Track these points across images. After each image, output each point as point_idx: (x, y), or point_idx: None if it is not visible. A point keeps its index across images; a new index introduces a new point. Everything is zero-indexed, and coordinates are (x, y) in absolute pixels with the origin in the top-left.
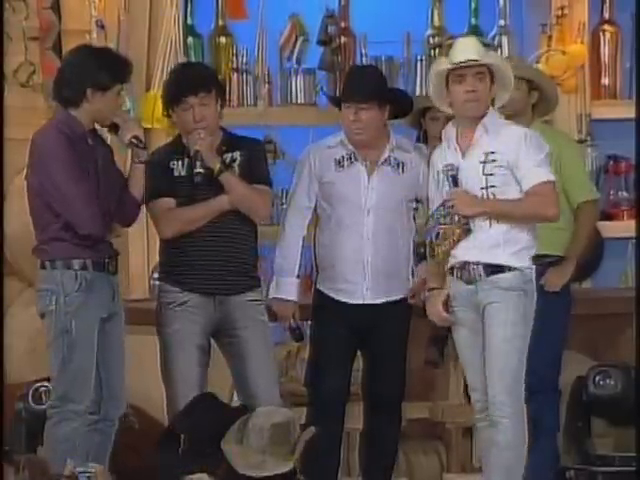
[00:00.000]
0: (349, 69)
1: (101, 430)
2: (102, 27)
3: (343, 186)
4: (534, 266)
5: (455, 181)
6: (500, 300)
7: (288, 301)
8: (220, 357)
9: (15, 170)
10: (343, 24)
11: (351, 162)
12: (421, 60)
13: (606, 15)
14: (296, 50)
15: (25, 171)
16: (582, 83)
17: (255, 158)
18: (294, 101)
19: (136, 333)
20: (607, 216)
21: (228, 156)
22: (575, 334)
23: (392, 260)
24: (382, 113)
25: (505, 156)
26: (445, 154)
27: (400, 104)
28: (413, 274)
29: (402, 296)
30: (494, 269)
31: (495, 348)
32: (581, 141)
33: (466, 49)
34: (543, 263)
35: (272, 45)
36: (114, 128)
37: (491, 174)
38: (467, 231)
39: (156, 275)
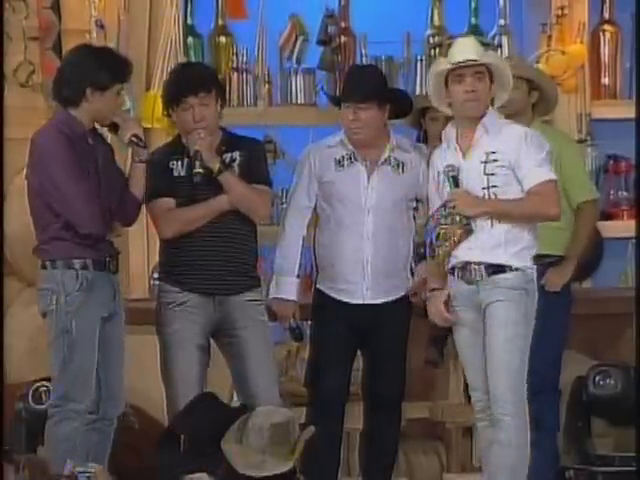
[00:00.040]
0: (349, 69)
1: (100, 429)
2: (102, 27)
3: (343, 186)
4: (535, 266)
5: (456, 182)
6: (502, 299)
7: (288, 301)
8: (220, 357)
9: (15, 170)
10: (343, 24)
11: (351, 162)
12: (421, 60)
13: (606, 15)
14: (296, 50)
15: (25, 171)
16: (582, 83)
17: (255, 158)
18: (294, 101)
19: (136, 333)
20: (607, 216)
21: (228, 156)
22: (575, 334)
23: (392, 260)
24: (382, 113)
25: (506, 156)
26: (445, 154)
27: (400, 104)
28: (413, 274)
29: (402, 295)
30: (495, 269)
31: (497, 347)
32: (581, 141)
33: (465, 49)
34: (543, 263)
35: (272, 45)
36: (114, 127)
37: (492, 174)
38: (468, 232)
39: (156, 275)
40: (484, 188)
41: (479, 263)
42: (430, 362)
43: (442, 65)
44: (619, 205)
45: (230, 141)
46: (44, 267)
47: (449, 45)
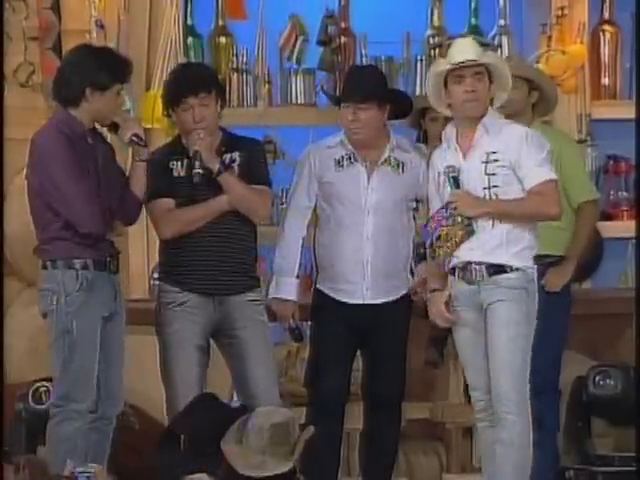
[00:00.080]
0: (349, 69)
1: (98, 429)
2: (102, 27)
3: (343, 186)
4: (536, 266)
5: (457, 182)
6: (503, 299)
7: (287, 301)
8: (220, 357)
9: (15, 170)
10: (343, 24)
11: (351, 162)
12: (421, 60)
13: (606, 15)
14: (296, 50)
15: (25, 171)
16: (582, 83)
17: (254, 158)
18: (294, 101)
19: (136, 333)
20: (607, 216)
21: (227, 156)
22: (575, 334)
23: (392, 260)
24: (381, 113)
25: (507, 156)
26: (445, 155)
27: (400, 105)
28: (413, 274)
29: (402, 295)
30: (496, 269)
31: (499, 347)
32: (581, 141)
33: (464, 49)
34: (544, 263)
35: (272, 45)
36: (114, 127)
37: (493, 174)
38: (470, 233)
39: (156, 275)
40: (485, 188)
41: (480, 263)
42: (430, 363)
43: (441, 66)
44: (619, 205)
45: (230, 141)
46: (44, 267)
47: (449, 45)
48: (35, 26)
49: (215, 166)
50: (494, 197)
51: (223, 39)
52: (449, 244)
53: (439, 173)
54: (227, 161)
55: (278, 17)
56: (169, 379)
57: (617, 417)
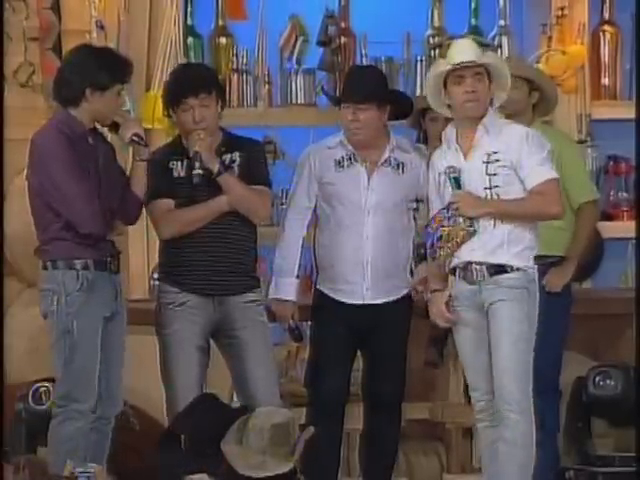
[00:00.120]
0: (349, 69)
1: (98, 429)
2: (102, 27)
3: (343, 186)
4: (536, 266)
5: (458, 183)
6: (504, 299)
7: (287, 301)
8: (220, 357)
9: (15, 170)
10: (343, 24)
11: (351, 163)
12: (421, 60)
13: (606, 15)
14: (296, 50)
15: (25, 171)
16: (582, 83)
17: (254, 159)
18: (294, 101)
19: (136, 333)
20: (607, 216)
21: (227, 157)
22: (575, 334)
23: (392, 260)
24: (381, 114)
25: (508, 156)
26: (446, 156)
27: (400, 105)
28: (413, 274)
29: (402, 295)
30: (497, 269)
31: (503, 346)
32: (581, 141)
33: (464, 50)
34: (544, 263)
35: (272, 45)
36: (115, 127)
37: (494, 174)
38: (471, 233)
39: (156, 275)
40: (486, 188)
41: (481, 263)
42: (430, 363)
43: (441, 66)
44: (619, 206)
45: (230, 142)
46: (45, 268)
47: (448, 46)
48: (35, 26)
49: (215, 167)
50: (495, 197)
51: (223, 39)
52: (450, 244)
53: (439, 174)
54: (227, 161)
55: (278, 17)
56: (169, 379)
57: (617, 417)
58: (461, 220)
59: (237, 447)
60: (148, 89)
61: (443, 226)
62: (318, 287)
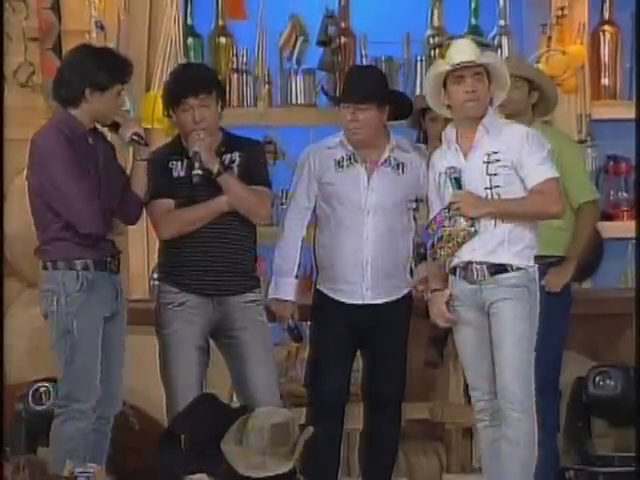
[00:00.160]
0: (349, 69)
1: (97, 429)
2: (102, 27)
3: (343, 187)
4: (536, 265)
5: (459, 183)
6: (505, 298)
7: (286, 301)
8: (220, 357)
9: (15, 170)
10: (343, 24)
11: (351, 163)
12: (421, 60)
13: (606, 15)
14: (296, 50)
15: (25, 171)
16: (582, 83)
17: (254, 159)
18: (294, 101)
19: (136, 333)
20: (607, 216)
21: (227, 157)
22: (575, 334)
23: (392, 260)
24: (381, 114)
25: (508, 155)
26: (446, 156)
27: (400, 106)
28: (413, 274)
29: (402, 295)
30: (498, 268)
31: (504, 343)
32: (581, 141)
33: (463, 50)
34: (544, 263)
35: (272, 45)
36: (115, 127)
37: (495, 174)
38: (472, 233)
39: (156, 275)
40: (487, 188)
41: (481, 263)
42: (430, 363)
43: (441, 67)
44: (619, 206)
45: (230, 142)
46: (45, 268)
47: (448, 46)
48: (35, 26)
49: (215, 167)
50: (496, 197)
51: (223, 39)
52: (450, 245)
53: (440, 174)
54: (227, 162)
55: (278, 17)
56: (169, 379)
57: (617, 417)
58: (462, 220)
59: (237, 447)
60: (148, 89)
61: (444, 226)
62: (318, 287)
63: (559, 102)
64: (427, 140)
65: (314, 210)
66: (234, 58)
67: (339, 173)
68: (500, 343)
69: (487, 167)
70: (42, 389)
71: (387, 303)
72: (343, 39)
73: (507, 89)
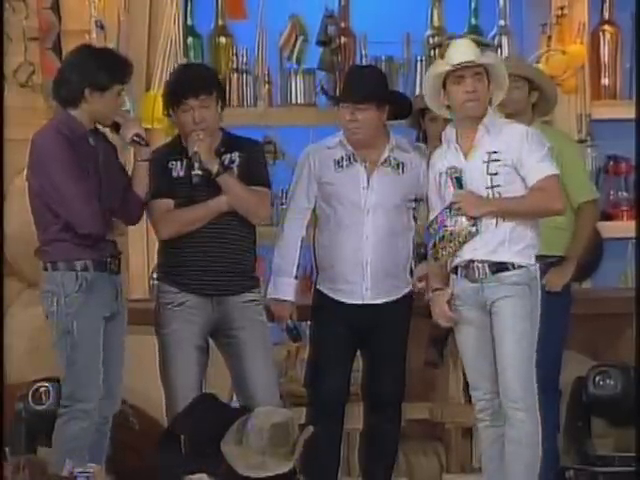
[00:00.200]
0: (348, 69)
1: (96, 428)
2: (102, 27)
3: (342, 187)
4: (537, 264)
5: (460, 183)
6: (507, 296)
7: (285, 301)
8: (220, 357)
9: (15, 170)
10: (343, 24)
11: (350, 163)
12: (421, 60)
13: (606, 15)
14: (296, 50)
15: (25, 172)
16: (582, 83)
17: (254, 159)
18: (294, 101)
19: (136, 333)
20: (607, 216)
21: (227, 157)
22: (575, 334)
23: (392, 260)
24: (380, 113)
25: (508, 155)
26: (446, 156)
27: (399, 106)
28: (413, 274)
29: (402, 295)
30: (499, 267)
31: (505, 342)
32: (581, 141)
33: (463, 50)
34: (544, 263)
35: (272, 45)
36: (116, 127)
37: (495, 173)
38: (473, 233)
39: (155, 275)
40: (488, 188)
41: (483, 261)
42: (430, 363)
43: (441, 67)
44: (619, 206)
45: (229, 142)
46: (45, 269)
47: (448, 46)
48: (35, 26)
49: (214, 167)
50: (497, 196)
51: (223, 39)
52: (452, 244)
53: (440, 174)
54: (226, 162)
55: (278, 17)
56: (168, 379)
57: (617, 417)
58: (464, 220)
59: (237, 447)
60: (148, 89)
61: (445, 226)
62: (318, 287)
63: (559, 102)
64: (427, 140)
65: (314, 210)
66: (234, 58)
67: (339, 173)
68: (501, 342)
69: (487, 166)
70: (42, 389)
71: (387, 303)
72: (343, 39)
73: (506, 89)
